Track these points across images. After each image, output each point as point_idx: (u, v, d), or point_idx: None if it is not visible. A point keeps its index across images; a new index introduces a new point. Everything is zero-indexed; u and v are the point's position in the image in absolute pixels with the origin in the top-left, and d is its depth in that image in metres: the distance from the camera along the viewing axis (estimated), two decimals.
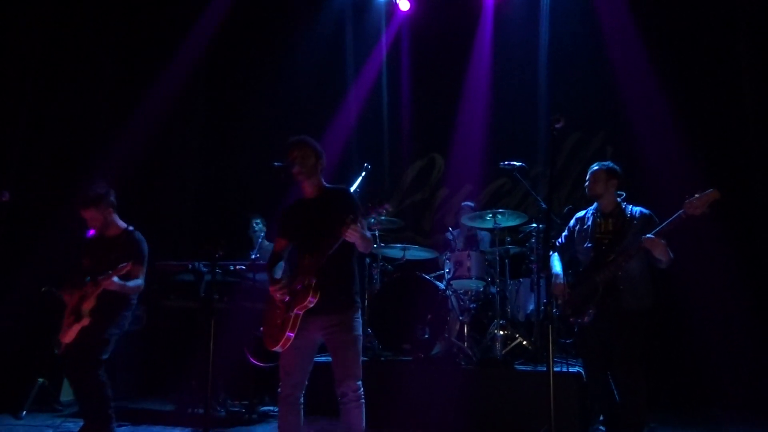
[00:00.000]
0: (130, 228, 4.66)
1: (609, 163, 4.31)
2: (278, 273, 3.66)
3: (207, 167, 8.05)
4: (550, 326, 3.09)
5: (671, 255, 3.93)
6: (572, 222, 4.48)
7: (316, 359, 3.67)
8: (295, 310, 3.41)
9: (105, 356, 4.41)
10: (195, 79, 8.00)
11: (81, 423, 4.49)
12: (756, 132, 6.14)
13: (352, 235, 3.32)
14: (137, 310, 6.53)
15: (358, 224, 3.29)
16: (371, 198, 3.30)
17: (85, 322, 4.33)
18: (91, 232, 4.72)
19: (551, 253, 4.42)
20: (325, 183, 3.72)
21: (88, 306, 4.34)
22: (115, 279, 4.25)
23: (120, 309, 4.50)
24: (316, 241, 3.46)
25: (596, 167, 4.31)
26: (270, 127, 7.91)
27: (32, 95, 6.34)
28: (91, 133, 6.96)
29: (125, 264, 4.27)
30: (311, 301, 3.38)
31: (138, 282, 4.49)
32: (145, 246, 4.60)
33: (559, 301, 4.23)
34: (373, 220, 3.34)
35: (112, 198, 4.60)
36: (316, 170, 3.66)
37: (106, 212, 4.54)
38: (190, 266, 5.54)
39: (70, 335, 4.34)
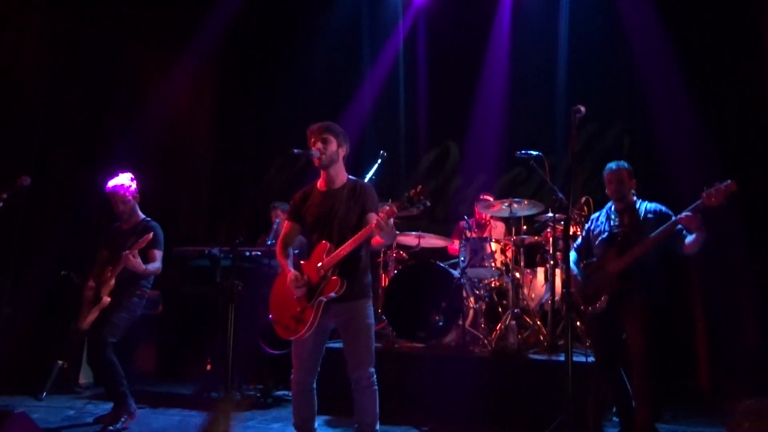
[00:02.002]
0: (147, 218, 4.84)
1: (625, 163, 4.28)
2: (290, 259, 3.67)
3: (223, 153, 8.07)
4: (569, 315, 3.09)
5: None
6: (588, 223, 4.49)
7: (330, 345, 3.70)
8: (320, 298, 3.42)
9: (113, 339, 4.50)
10: (210, 65, 8.02)
11: (101, 404, 4.62)
12: None
13: (387, 236, 3.32)
14: (154, 296, 6.64)
15: (389, 219, 3.27)
16: (411, 186, 3.27)
17: (105, 302, 4.47)
18: (113, 228, 4.90)
19: (571, 251, 4.43)
20: (346, 174, 3.69)
21: (108, 287, 4.48)
22: (137, 258, 4.42)
23: (132, 295, 4.62)
24: (339, 233, 3.48)
25: (616, 167, 4.25)
26: (285, 114, 7.91)
27: (51, 84, 6.38)
28: (108, 120, 7.01)
29: (147, 235, 4.47)
30: (340, 291, 3.40)
31: (156, 265, 4.66)
32: (160, 232, 4.77)
33: (573, 289, 4.22)
34: (415, 211, 3.32)
35: (136, 187, 4.82)
36: (338, 159, 3.62)
37: (135, 199, 4.77)
38: (207, 252, 5.58)
39: (89, 321, 4.49)
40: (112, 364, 4.49)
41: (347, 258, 3.43)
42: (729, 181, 3.72)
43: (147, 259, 4.58)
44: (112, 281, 4.49)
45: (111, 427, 4.40)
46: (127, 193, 4.71)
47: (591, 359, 4.68)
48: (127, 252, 4.41)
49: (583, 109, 3.39)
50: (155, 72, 7.52)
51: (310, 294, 3.45)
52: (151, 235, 4.52)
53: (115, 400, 4.55)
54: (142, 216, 4.84)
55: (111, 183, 4.72)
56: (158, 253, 4.68)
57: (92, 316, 4.48)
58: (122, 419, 4.47)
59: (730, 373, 6.15)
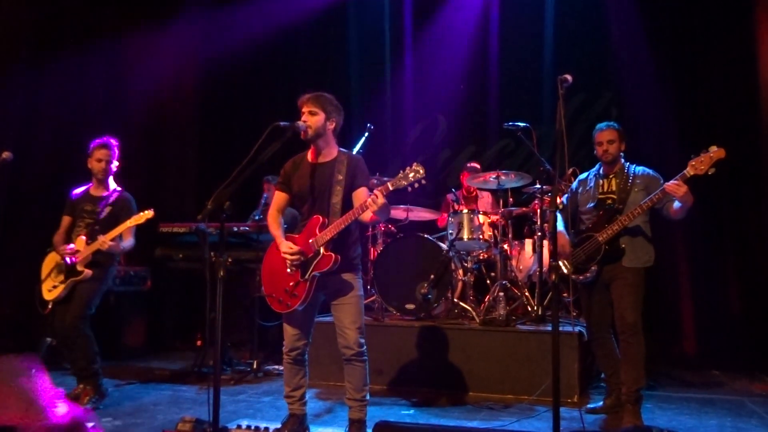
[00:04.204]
0: (119, 188, 4.76)
1: (616, 124, 4.28)
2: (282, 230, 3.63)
3: (209, 126, 7.97)
4: (558, 284, 3.10)
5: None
6: (575, 184, 4.49)
7: (319, 319, 3.71)
8: (313, 273, 3.42)
9: (90, 311, 4.48)
10: (196, 37, 7.88)
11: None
12: (766, 92, 6.09)
13: (381, 212, 3.31)
14: (143, 272, 6.62)
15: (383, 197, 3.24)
16: (399, 160, 3.24)
17: (87, 275, 4.41)
18: (77, 195, 4.77)
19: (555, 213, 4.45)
20: (337, 147, 3.63)
21: (85, 260, 4.42)
22: (110, 240, 4.37)
23: (106, 265, 4.56)
24: (330, 207, 3.46)
25: (607, 127, 4.24)
26: (271, 86, 7.83)
27: (31, 56, 6.25)
28: (91, 94, 6.89)
29: (129, 220, 4.42)
30: (334, 266, 3.40)
31: (131, 241, 4.59)
32: (134, 205, 4.70)
33: (562, 259, 4.24)
34: (410, 189, 3.29)
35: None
36: (326, 131, 3.54)
37: (112, 163, 4.69)
38: (194, 227, 5.55)
39: (61, 293, 4.42)
40: (90, 340, 4.44)
41: (339, 233, 3.42)
42: (716, 148, 3.73)
43: (121, 235, 4.52)
44: (89, 254, 4.42)
45: (89, 404, 4.32)
46: (110, 156, 4.66)
47: (578, 329, 4.74)
48: (103, 238, 4.34)
49: (570, 78, 3.35)
50: (139, 45, 7.39)
51: (303, 268, 3.44)
52: (150, 213, 4.44)
53: (86, 378, 4.46)
54: (115, 185, 4.76)
55: (103, 144, 4.65)
56: (131, 228, 4.56)
57: (65, 288, 4.41)
58: (93, 398, 4.40)
59: (714, 338, 6.26)
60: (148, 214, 4.45)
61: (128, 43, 7.33)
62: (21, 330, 5.78)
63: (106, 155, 4.64)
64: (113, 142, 4.70)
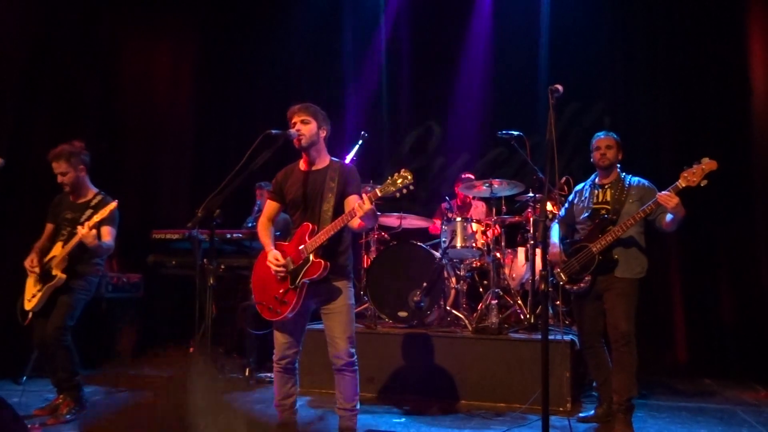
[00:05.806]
0: (102, 192, 4.58)
1: (614, 134, 4.31)
2: (272, 239, 3.64)
3: (204, 134, 7.96)
4: (547, 293, 3.11)
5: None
6: (572, 196, 4.51)
7: (311, 326, 3.70)
8: (303, 280, 3.42)
9: (71, 323, 4.34)
10: (191, 44, 7.90)
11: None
12: (759, 104, 6.13)
13: (368, 219, 3.31)
14: (136, 279, 6.60)
15: (371, 203, 3.25)
16: (393, 167, 3.24)
17: (61, 280, 4.25)
18: (58, 201, 4.61)
19: (553, 223, 4.48)
20: (329, 155, 3.66)
21: (60, 264, 4.27)
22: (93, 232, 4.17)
23: (88, 273, 4.43)
24: (321, 215, 3.46)
25: (604, 135, 4.28)
26: (267, 94, 7.85)
27: (24, 61, 6.24)
28: (85, 100, 6.88)
29: (109, 205, 4.20)
30: (323, 273, 3.40)
31: (109, 242, 4.37)
32: (115, 209, 4.42)
33: (556, 269, 4.26)
34: (398, 194, 3.29)
35: (86, 158, 4.49)
36: (319, 140, 3.59)
37: (78, 169, 4.43)
38: (187, 234, 5.55)
39: (39, 302, 4.28)
40: (71, 351, 4.31)
41: (329, 240, 3.43)
42: (708, 160, 3.75)
43: (98, 235, 4.28)
44: (65, 257, 4.26)
45: (69, 416, 4.23)
46: (69, 167, 4.37)
47: (568, 337, 4.75)
48: (82, 228, 4.13)
49: (560, 88, 3.38)
50: (134, 51, 7.40)
51: (293, 276, 3.44)
52: (114, 204, 4.20)
53: (66, 390, 4.35)
54: (96, 189, 4.56)
55: (55, 156, 4.38)
56: (111, 230, 4.37)
57: (44, 297, 4.26)
58: (74, 410, 4.29)
59: (706, 348, 6.27)
60: (111, 205, 4.21)
61: (123, 50, 7.33)
62: (13, 336, 5.73)
63: (59, 168, 4.37)
64: (67, 150, 4.39)
